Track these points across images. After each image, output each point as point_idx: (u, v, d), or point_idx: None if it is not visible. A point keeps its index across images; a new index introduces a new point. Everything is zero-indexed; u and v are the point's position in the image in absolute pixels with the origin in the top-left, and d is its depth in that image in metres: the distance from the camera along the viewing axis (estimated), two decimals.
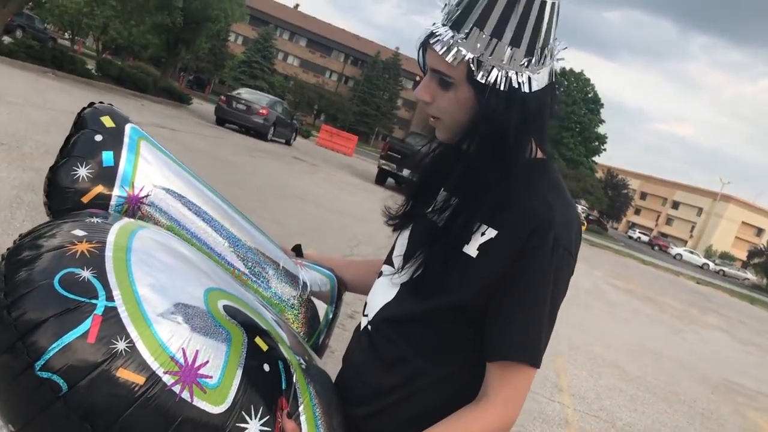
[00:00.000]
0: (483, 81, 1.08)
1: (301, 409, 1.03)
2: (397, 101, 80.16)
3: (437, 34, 1.11)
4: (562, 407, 5.20)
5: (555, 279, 1.08)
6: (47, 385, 0.81)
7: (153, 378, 0.86)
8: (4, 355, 0.83)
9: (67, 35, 59.19)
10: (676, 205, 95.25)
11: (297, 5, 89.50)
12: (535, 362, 1.09)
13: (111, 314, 0.86)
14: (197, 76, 62.68)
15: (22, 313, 0.83)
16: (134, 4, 22.13)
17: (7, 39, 20.08)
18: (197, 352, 0.90)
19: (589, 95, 71.30)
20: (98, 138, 1.22)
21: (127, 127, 1.28)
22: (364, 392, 1.21)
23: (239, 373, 0.94)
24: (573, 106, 68.57)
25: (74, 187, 1.16)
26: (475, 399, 1.12)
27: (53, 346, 0.82)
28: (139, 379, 0.84)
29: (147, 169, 1.24)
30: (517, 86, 1.08)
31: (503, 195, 1.11)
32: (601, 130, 72.46)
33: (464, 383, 1.15)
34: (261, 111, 22.22)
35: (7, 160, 6.45)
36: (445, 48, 1.09)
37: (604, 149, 72.92)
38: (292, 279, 1.40)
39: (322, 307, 1.44)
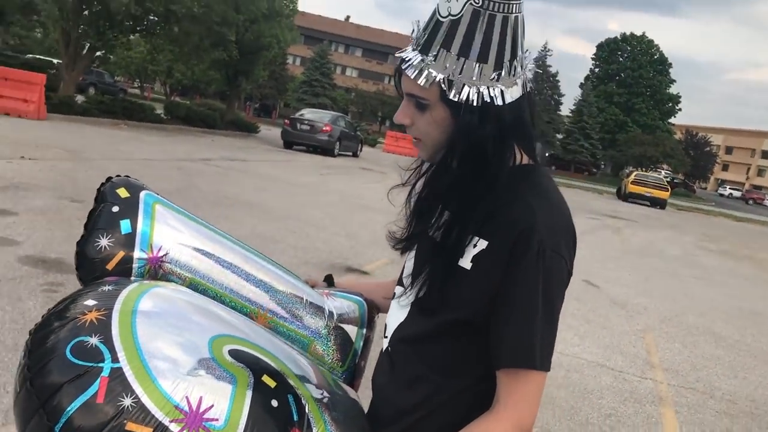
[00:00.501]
0: (456, 99, 1.13)
1: None
2: None
3: (408, 59, 1.16)
4: (655, 384, 5.09)
5: (545, 282, 1.10)
6: None
7: (160, 428, 0.95)
8: (32, 421, 0.95)
9: (136, 84, 61.90)
10: (765, 154, 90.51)
11: (348, 17, 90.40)
12: (533, 365, 1.10)
13: (117, 374, 0.96)
14: (263, 103, 64.18)
15: (41, 382, 0.95)
16: (191, 46, 22.95)
17: (80, 98, 21.19)
18: (201, 398, 0.99)
19: (655, 57, 68.92)
20: (115, 209, 1.34)
21: (142, 194, 1.40)
22: (389, 412, 1.27)
23: (246, 412, 1.01)
24: (639, 71, 66.41)
25: (99, 257, 1.29)
26: (489, 409, 1.15)
27: (68, 409, 0.93)
28: (147, 431, 0.94)
29: (163, 230, 1.34)
30: (489, 100, 1.13)
31: (490, 205, 1.15)
32: (673, 90, 69.87)
33: (482, 394, 1.18)
34: (324, 128, 22.65)
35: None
36: (416, 71, 1.14)
37: (679, 109, 70.27)
38: (318, 310, 1.48)
39: (352, 331, 1.50)
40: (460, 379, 1.20)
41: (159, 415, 0.95)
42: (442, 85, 1.13)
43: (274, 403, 1.07)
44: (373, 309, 1.59)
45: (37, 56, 37.13)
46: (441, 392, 1.21)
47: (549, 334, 1.13)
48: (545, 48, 73.81)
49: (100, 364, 0.96)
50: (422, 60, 1.14)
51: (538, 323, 1.10)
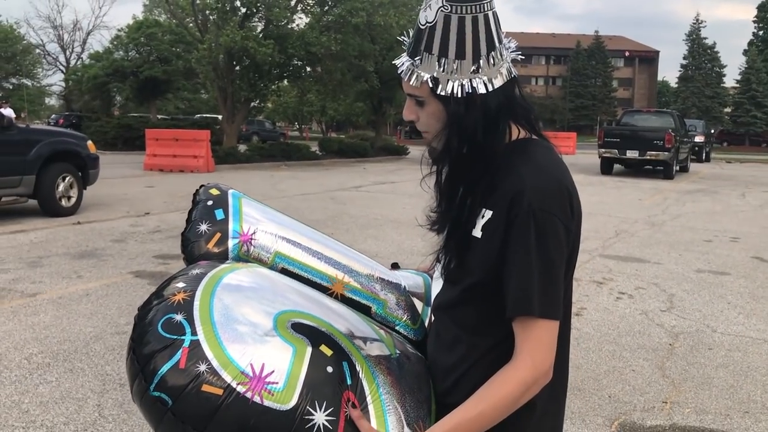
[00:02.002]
0: (443, 93, 1.31)
1: (368, 399, 1.26)
2: (611, 83, 76.48)
3: (400, 64, 1.36)
4: None
5: (538, 238, 1.22)
6: (159, 401, 1.16)
7: (229, 389, 1.15)
8: (135, 381, 1.21)
9: (294, 127, 65.51)
10: None
11: None
12: (532, 312, 1.22)
13: (195, 346, 1.19)
14: (412, 126, 65.26)
15: (140, 351, 1.21)
16: (334, 82, 24.08)
17: (243, 147, 22.94)
18: (263, 364, 1.19)
19: None
20: (210, 203, 1.67)
21: (230, 192, 1.73)
22: (439, 372, 1.44)
23: (302, 376, 1.20)
24: None
25: (199, 239, 1.60)
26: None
27: (159, 372, 1.17)
28: (218, 391, 1.15)
29: (249, 217, 1.64)
30: (471, 90, 1.29)
31: (492, 179, 1.30)
32: None
33: (511, 350, 1.29)
34: None
35: None
36: (407, 74, 1.33)
37: None
38: (393, 287, 1.70)
39: (419, 305, 1.71)
40: (488, 338, 1.34)
41: (228, 378, 1.16)
42: (430, 83, 1.30)
43: (330, 369, 1.24)
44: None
45: (204, 115, 40.61)
46: (475, 351, 1.36)
47: (548, 285, 1.23)
48: (697, 20, 69.31)
49: (183, 337, 1.20)
50: (411, 63, 1.32)
51: (534, 275, 1.22)
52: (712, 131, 37.23)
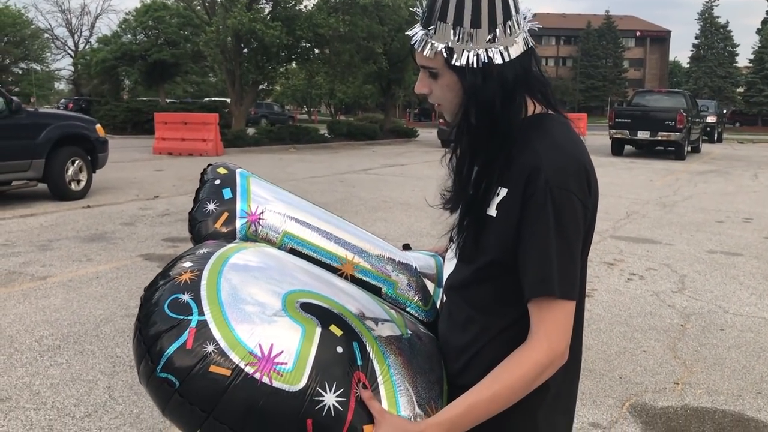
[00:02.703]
0: (458, 64, 1.25)
1: (379, 380, 1.23)
2: (622, 64, 75.82)
3: (413, 35, 1.31)
4: None
5: (556, 216, 1.18)
6: (166, 383, 1.14)
7: (237, 370, 1.12)
8: (142, 363, 1.18)
9: (303, 110, 65.39)
10: None
11: None
12: (552, 293, 1.19)
13: (202, 326, 1.16)
14: (422, 108, 65.14)
15: (147, 332, 1.18)
16: (343, 64, 23.96)
17: (251, 130, 22.91)
18: (272, 345, 1.16)
19: None
20: (217, 182, 1.64)
21: (238, 171, 1.69)
22: (450, 353, 1.41)
23: (312, 357, 1.17)
24: None
25: (207, 219, 1.58)
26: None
27: (166, 353, 1.14)
28: (226, 372, 1.12)
29: (258, 196, 1.61)
30: (488, 60, 1.24)
31: (508, 155, 1.26)
32: None
33: (525, 330, 1.27)
34: None
35: None
36: (421, 45, 1.28)
37: None
38: (405, 267, 1.67)
39: (430, 286, 1.68)
40: (502, 318, 1.31)
41: (236, 359, 1.13)
42: (444, 54, 1.25)
43: (339, 349, 1.22)
44: None
45: (213, 99, 40.57)
46: (488, 331, 1.32)
47: (567, 265, 1.20)
48: None
49: (189, 317, 1.17)
50: (425, 34, 1.27)
51: (553, 255, 1.19)
52: (725, 111, 36.89)
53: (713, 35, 67.47)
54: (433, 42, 1.26)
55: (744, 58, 70.00)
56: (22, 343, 4.11)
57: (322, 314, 1.28)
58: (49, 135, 9.45)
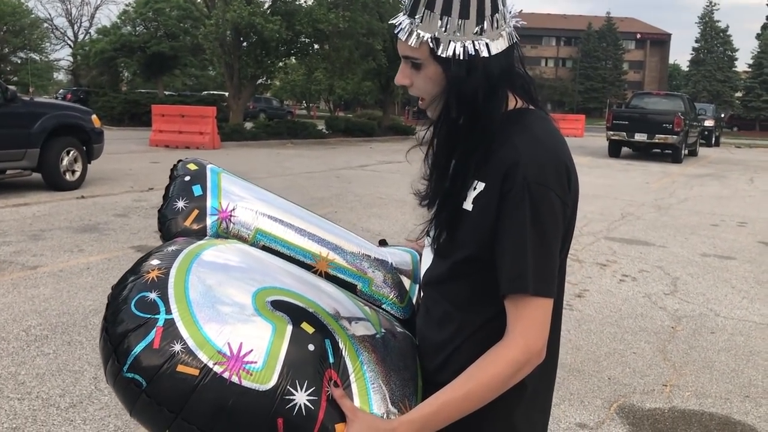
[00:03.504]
0: (444, 55, 1.23)
1: (352, 377, 1.22)
2: (622, 66, 75.85)
3: (398, 23, 1.28)
4: None
5: (533, 212, 1.16)
6: (133, 383, 1.12)
7: (205, 369, 1.10)
8: (108, 362, 1.16)
9: (302, 105, 65.32)
10: None
11: None
12: (526, 290, 1.17)
13: (169, 325, 1.14)
14: (420, 107, 65.02)
15: (113, 331, 1.16)
16: (342, 60, 23.89)
17: (249, 125, 22.86)
18: (241, 343, 1.14)
19: None
20: (187, 178, 1.60)
21: (208, 167, 1.66)
22: (429, 349, 1.39)
23: (282, 355, 1.16)
24: None
25: (176, 216, 1.55)
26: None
27: (132, 353, 1.12)
28: (195, 372, 1.10)
29: (229, 193, 1.58)
30: (474, 53, 1.22)
31: (486, 149, 1.23)
32: None
33: (503, 327, 1.24)
34: None
35: None
36: (406, 34, 1.25)
37: None
38: (381, 264, 1.64)
39: (406, 282, 1.66)
40: (480, 315, 1.29)
41: (204, 358, 1.12)
42: (431, 44, 1.23)
43: (311, 347, 1.20)
44: None
45: (211, 92, 40.47)
46: (465, 328, 1.31)
47: (543, 262, 1.18)
48: (711, 2, 68.51)
49: (156, 316, 1.15)
50: (411, 22, 1.24)
51: (528, 251, 1.16)
52: (722, 115, 36.90)
53: (713, 39, 67.50)
54: (419, 31, 1.23)
55: (743, 62, 70.20)
56: (9, 332, 4.08)
57: (294, 311, 1.26)
58: (45, 125, 9.41)
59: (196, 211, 1.53)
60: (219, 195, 1.56)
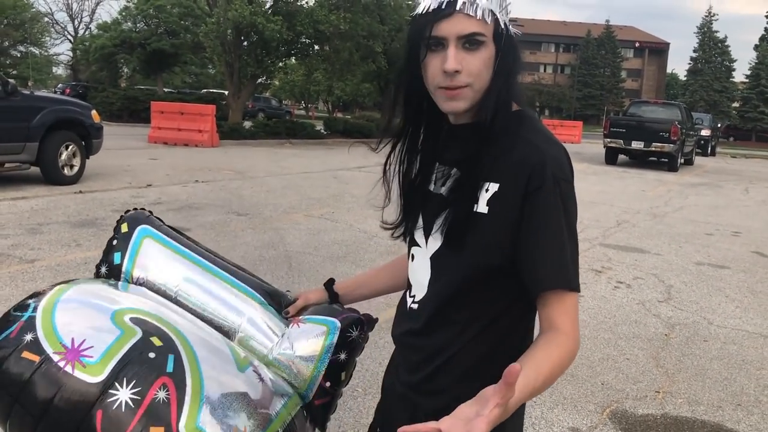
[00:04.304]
0: (504, 33, 1.17)
1: (188, 390, 1.25)
2: (620, 74, 76.04)
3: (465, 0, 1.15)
4: None
5: (565, 208, 1.16)
6: None
7: (45, 357, 1.23)
8: None
9: (301, 105, 65.31)
10: None
11: None
12: (572, 285, 1.16)
13: (30, 320, 1.29)
14: None
15: None
16: (342, 62, 23.92)
17: (248, 124, 22.86)
18: (84, 340, 1.26)
19: None
20: (115, 242, 1.62)
21: (137, 231, 1.61)
22: (419, 357, 1.32)
23: (120, 355, 1.24)
24: None
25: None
26: (542, 332, 1.17)
27: None
28: (35, 358, 1.23)
29: (142, 265, 1.58)
30: (514, 35, 1.20)
31: (495, 149, 1.19)
32: None
33: (505, 329, 1.26)
34: None
35: (251, 227, 7.49)
36: (473, 6, 1.14)
37: None
38: (284, 353, 1.52)
39: (308, 370, 1.51)
40: (481, 320, 1.25)
41: (48, 348, 1.25)
42: (499, 17, 1.17)
43: (152, 355, 1.27)
44: (371, 322, 1.59)
45: (211, 90, 40.47)
46: (466, 333, 1.26)
47: (576, 257, 1.18)
48: (710, 13, 68.94)
49: (24, 314, 1.32)
50: None
51: (567, 247, 1.16)
52: (719, 125, 37.00)
53: (711, 49, 67.73)
54: (483, 4, 1.15)
55: (741, 73, 70.49)
56: None
57: (150, 328, 1.33)
58: (44, 119, 9.41)
59: (112, 280, 1.59)
60: (133, 267, 1.58)
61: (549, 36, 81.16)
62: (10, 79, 9.34)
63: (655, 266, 6.94)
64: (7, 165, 9.38)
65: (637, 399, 3.70)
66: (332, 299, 1.63)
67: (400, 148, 1.36)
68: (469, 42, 1.15)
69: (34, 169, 9.67)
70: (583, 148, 27.94)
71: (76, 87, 37.81)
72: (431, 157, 1.33)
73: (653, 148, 19.08)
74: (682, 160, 20.68)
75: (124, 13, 45.86)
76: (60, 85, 44.97)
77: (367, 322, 1.58)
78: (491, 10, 1.15)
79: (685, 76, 74.42)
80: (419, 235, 1.33)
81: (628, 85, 77.95)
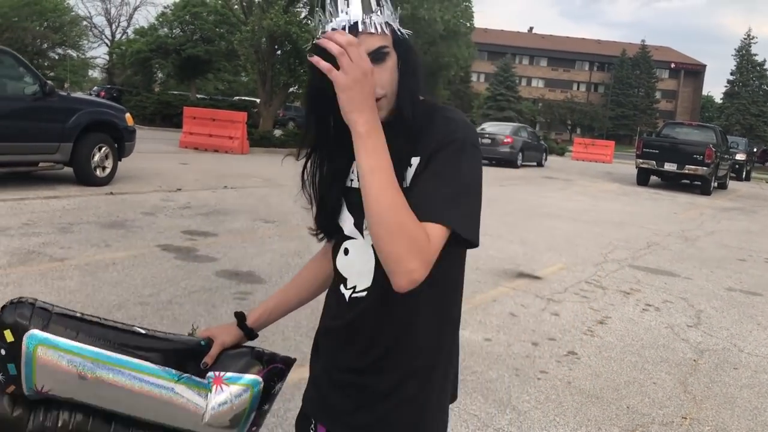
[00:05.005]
0: (401, 38, 1.27)
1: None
2: (654, 95, 75.33)
3: (361, 21, 1.22)
4: None
5: (469, 162, 1.23)
6: None
7: None
8: None
9: None
10: None
11: (531, 28, 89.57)
12: (447, 222, 1.18)
13: None
14: None
15: None
16: None
17: (278, 132, 23.02)
18: None
19: None
20: (3, 352, 1.44)
21: (25, 338, 1.43)
22: (368, 343, 1.35)
23: None
24: None
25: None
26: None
27: None
28: None
29: (45, 378, 1.44)
30: (406, 36, 1.28)
31: (414, 132, 1.26)
32: None
33: (453, 290, 1.38)
34: (505, 141, 22.67)
35: (278, 234, 7.52)
36: (372, 24, 1.22)
37: None
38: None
39: (234, 426, 1.50)
40: (433, 288, 1.27)
41: None
42: (391, 28, 1.26)
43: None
44: (290, 365, 1.59)
45: (243, 98, 40.86)
46: (421, 303, 1.32)
47: (473, 202, 1.23)
48: (748, 36, 68.03)
49: None
50: (368, 17, 1.22)
51: (461, 187, 1.21)
52: (755, 150, 36.48)
53: (749, 72, 66.93)
54: (381, 18, 1.24)
55: None
56: None
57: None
58: (79, 120, 9.56)
59: (13, 387, 1.46)
60: (33, 375, 1.44)
61: (583, 54, 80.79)
62: (48, 81, 9.52)
63: (685, 290, 6.82)
64: (41, 164, 9.54)
65: (663, 424, 3.62)
66: (248, 335, 1.60)
67: (315, 157, 1.42)
68: (376, 57, 1.21)
69: (68, 169, 9.82)
70: (614, 168, 27.69)
71: (110, 90, 38.43)
72: (347, 157, 1.33)
73: (686, 171, 18.81)
74: (716, 184, 20.37)
75: (160, 19, 46.61)
76: (95, 88, 45.83)
77: (287, 367, 1.57)
78: (387, 22, 1.24)
79: (721, 98, 73.62)
80: (351, 230, 1.37)
81: (662, 106, 77.20)
